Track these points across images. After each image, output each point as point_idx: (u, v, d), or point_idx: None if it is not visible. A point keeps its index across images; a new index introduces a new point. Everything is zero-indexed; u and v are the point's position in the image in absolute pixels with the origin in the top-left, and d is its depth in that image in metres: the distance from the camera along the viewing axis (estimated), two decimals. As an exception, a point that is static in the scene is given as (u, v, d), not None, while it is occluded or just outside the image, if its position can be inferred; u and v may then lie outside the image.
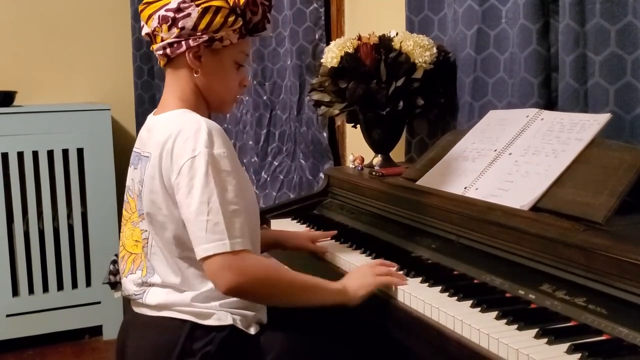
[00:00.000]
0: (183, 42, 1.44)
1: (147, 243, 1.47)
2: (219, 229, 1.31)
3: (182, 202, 1.35)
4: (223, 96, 1.54)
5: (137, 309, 1.52)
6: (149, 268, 1.47)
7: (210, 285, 1.41)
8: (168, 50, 1.45)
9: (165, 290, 1.45)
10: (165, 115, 1.47)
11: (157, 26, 1.44)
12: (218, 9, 1.42)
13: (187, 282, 1.43)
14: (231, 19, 1.43)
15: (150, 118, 1.54)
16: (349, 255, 1.70)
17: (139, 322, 1.49)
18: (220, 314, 1.42)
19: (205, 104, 1.52)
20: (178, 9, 1.41)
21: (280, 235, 1.86)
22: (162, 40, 1.45)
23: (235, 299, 1.42)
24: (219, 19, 1.42)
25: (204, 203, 1.32)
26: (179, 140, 1.37)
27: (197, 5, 1.41)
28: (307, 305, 1.43)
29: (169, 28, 1.43)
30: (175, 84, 1.50)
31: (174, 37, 1.44)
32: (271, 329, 1.48)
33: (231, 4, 1.43)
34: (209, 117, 1.50)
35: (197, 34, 1.43)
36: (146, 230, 1.47)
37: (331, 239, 1.85)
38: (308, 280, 1.44)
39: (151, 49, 1.51)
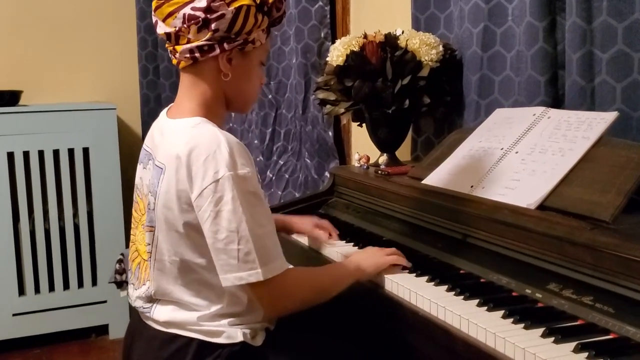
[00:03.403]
0: (216, 46, 1.36)
1: (151, 257, 1.43)
2: (251, 257, 1.28)
3: (208, 228, 1.30)
4: (247, 97, 1.49)
5: (145, 320, 1.49)
6: (153, 280, 1.44)
7: (217, 305, 1.39)
8: (197, 54, 1.36)
9: (170, 307, 1.42)
10: (181, 122, 1.39)
11: (182, 26, 1.34)
12: (249, 8, 1.34)
13: (193, 300, 1.40)
14: (259, 17, 1.38)
15: (164, 119, 1.47)
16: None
17: (146, 334, 1.46)
18: (230, 332, 1.39)
19: (223, 107, 1.47)
20: (208, 9, 1.32)
21: (288, 221, 1.89)
22: (189, 42, 1.36)
23: (245, 317, 1.41)
24: (251, 19, 1.35)
25: (233, 232, 1.28)
26: (197, 156, 1.30)
27: (228, 5, 1.33)
28: (336, 294, 1.46)
29: (199, 30, 1.34)
30: (195, 87, 1.42)
31: (206, 40, 1.35)
32: (277, 338, 1.46)
33: (258, 2, 1.36)
34: (224, 120, 1.47)
35: (232, 36, 1.36)
36: (150, 244, 1.43)
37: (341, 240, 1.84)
38: (333, 273, 1.50)
39: (172, 48, 1.40)
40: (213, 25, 1.34)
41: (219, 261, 1.31)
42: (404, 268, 1.53)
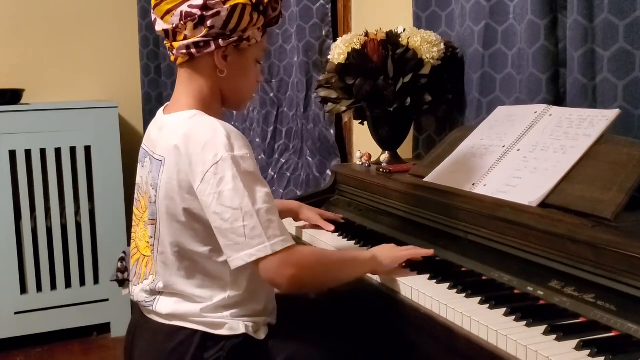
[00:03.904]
0: (212, 42, 1.39)
1: (154, 249, 1.45)
2: (257, 232, 1.28)
3: (212, 210, 1.30)
4: (243, 94, 1.52)
5: (147, 315, 1.50)
6: (158, 274, 1.46)
7: (219, 296, 1.40)
8: (194, 50, 1.40)
9: (173, 299, 1.44)
10: (177, 115, 1.42)
11: (179, 23, 1.37)
12: (244, 7, 1.37)
13: (196, 292, 1.41)
14: (255, 16, 1.40)
15: (161, 116, 1.49)
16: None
17: (148, 328, 1.48)
18: (232, 324, 1.40)
19: (219, 103, 1.49)
20: (205, 7, 1.35)
21: (297, 206, 1.97)
22: (186, 38, 1.39)
23: (246, 308, 1.42)
24: (246, 18, 1.38)
25: (237, 209, 1.28)
26: (195, 145, 1.32)
27: (224, 3, 1.36)
28: (349, 280, 1.46)
29: (195, 26, 1.37)
30: (192, 83, 1.45)
31: (201, 37, 1.38)
32: (280, 332, 1.47)
33: (254, 1, 1.38)
34: (221, 116, 1.49)
35: (227, 33, 1.38)
36: (152, 237, 1.45)
37: (338, 236, 1.85)
38: (347, 256, 1.53)
39: (169, 45, 1.43)
40: (209, 22, 1.36)
41: (227, 242, 1.31)
42: (413, 269, 1.52)
